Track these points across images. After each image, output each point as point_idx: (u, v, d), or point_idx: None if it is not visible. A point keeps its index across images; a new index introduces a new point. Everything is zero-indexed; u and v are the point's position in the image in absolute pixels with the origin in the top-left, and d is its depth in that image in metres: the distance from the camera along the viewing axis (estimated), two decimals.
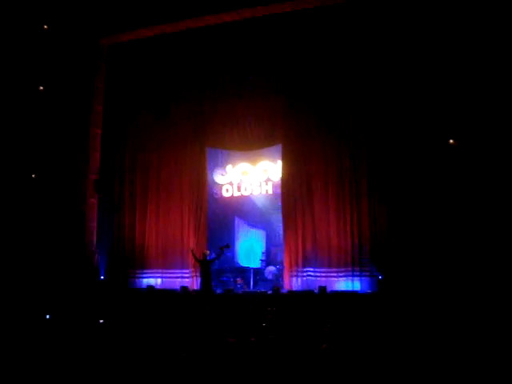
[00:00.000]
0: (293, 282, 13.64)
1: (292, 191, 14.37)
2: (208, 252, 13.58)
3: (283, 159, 14.75)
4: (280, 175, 15.38)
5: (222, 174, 17.01)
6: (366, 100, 13.41)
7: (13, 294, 11.52)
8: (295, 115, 14.36)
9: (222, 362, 3.79)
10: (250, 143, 15.37)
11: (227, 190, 16.91)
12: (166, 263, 15.27)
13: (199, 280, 13.54)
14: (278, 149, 15.63)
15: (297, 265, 13.78)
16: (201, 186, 15.63)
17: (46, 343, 4.77)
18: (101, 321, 6.27)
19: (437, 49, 12.06)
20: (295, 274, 13.73)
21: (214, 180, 17.06)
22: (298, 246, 13.85)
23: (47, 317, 6.32)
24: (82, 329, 5.50)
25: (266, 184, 16.49)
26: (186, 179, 15.65)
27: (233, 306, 10.66)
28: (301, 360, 3.90)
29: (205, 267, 13.00)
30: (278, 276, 15.33)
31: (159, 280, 15.30)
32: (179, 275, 15.03)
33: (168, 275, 15.21)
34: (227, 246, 13.54)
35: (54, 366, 4.10)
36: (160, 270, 15.29)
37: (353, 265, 13.19)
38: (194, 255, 13.38)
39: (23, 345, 4.68)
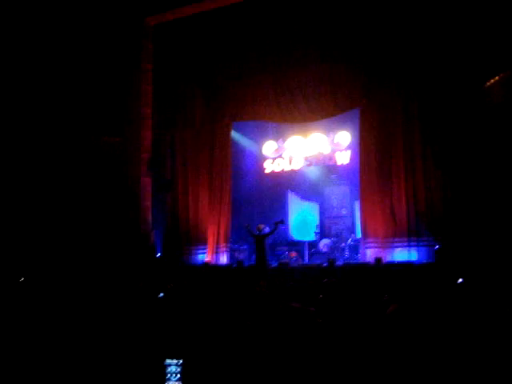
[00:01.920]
0: (366, 255, 13.51)
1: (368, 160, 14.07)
2: (263, 226, 13.58)
3: (362, 126, 14.33)
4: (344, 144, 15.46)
5: (273, 148, 16.98)
6: (422, 63, 13.04)
7: (74, 273, 11.83)
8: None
9: (287, 327, 3.77)
10: (304, 115, 15.09)
11: (279, 164, 16.89)
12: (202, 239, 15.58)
13: (253, 255, 13.69)
14: (329, 120, 15.48)
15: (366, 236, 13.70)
16: (224, 164, 15.85)
17: (109, 318, 4.86)
18: (160, 295, 6.37)
19: None
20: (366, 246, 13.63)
21: (264, 154, 17.07)
22: (374, 216, 13.69)
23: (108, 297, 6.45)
24: (143, 303, 5.60)
25: (318, 156, 16.36)
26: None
27: (289, 279, 10.68)
28: (361, 326, 3.88)
29: (259, 242, 13.05)
30: (333, 248, 15.27)
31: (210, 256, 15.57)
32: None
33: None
34: (281, 222, 13.53)
35: (117, 340, 4.17)
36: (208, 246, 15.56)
37: (409, 235, 12.99)
38: (249, 230, 13.42)
39: (86, 320, 4.78)
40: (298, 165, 16.67)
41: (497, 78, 11.00)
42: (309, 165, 16.61)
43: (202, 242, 15.51)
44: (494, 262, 10.47)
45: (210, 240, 15.49)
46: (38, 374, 3.81)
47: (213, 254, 15.35)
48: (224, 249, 15.48)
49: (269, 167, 17.02)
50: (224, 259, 15.43)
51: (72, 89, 14.33)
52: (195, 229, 15.63)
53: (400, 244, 13.09)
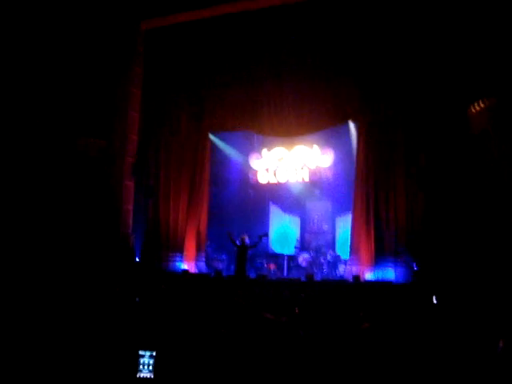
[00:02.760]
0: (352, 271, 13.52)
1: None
2: (246, 236, 13.56)
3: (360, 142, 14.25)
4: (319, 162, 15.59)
5: (258, 158, 17.04)
6: (408, 85, 13.19)
7: (49, 273, 11.72)
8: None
9: (260, 336, 3.81)
10: (289, 129, 15.16)
11: (263, 176, 16.94)
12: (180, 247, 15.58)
13: (233, 265, 13.68)
14: (313, 135, 15.58)
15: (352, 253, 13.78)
16: (202, 173, 16.10)
17: (84, 319, 4.86)
18: (137, 299, 6.36)
19: None
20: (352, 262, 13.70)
21: (249, 165, 17.12)
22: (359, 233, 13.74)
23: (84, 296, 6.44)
24: (120, 306, 5.60)
25: (302, 169, 16.45)
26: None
27: (266, 291, 10.71)
28: (336, 340, 3.92)
29: (241, 253, 13.03)
30: (312, 263, 15.32)
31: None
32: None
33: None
34: (265, 235, 13.56)
35: (91, 342, 4.18)
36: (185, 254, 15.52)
37: (389, 255, 13.08)
38: (231, 239, 13.37)
39: (59, 322, 4.77)
40: (282, 178, 16.73)
41: (481, 104, 11.13)
42: (292, 179, 16.70)
43: (179, 249, 15.44)
44: (471, 284, 10.62)
45: (188, 248, 15.45)
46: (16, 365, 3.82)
47: (190, 262, 15.32)
48: (200, 257, 15.49)
49: (253, 178, 17.05)
50: (200, 268, 15.49)
51: (59, 89, 14.21)
52: (174, 236, 15.57)
53: (380, 263, 13.15)
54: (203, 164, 16.02)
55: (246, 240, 13.49)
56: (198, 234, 15.65)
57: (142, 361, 3.61)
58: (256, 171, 17.02)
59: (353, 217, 13.94)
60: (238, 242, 13.18)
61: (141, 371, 3.60)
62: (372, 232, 13.29)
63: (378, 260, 13.14)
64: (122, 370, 3.63)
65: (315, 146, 16.24)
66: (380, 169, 13.52)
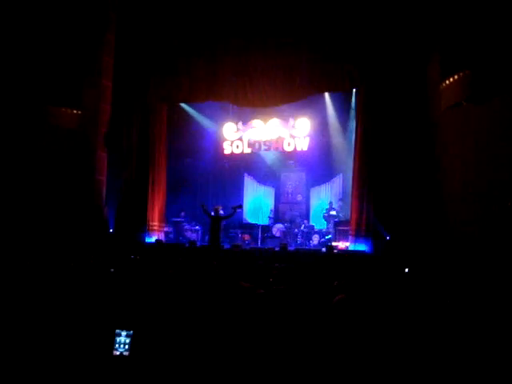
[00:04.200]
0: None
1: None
2: (220, 207, 13.56)
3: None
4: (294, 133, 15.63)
5: (233, 130, 16.99)
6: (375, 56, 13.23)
7: (22, 244, 11.60)
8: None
9: (237, 305, 3.84)
10: (265, 99, 15.00)
11: (237, 147, 16.92)
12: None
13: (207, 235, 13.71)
14: (290, 106, 15.54)
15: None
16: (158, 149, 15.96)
17: (58, 289, 4.83)
18: (111, 270, 6.35)
19: None
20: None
21: (223, 135, 17.06)
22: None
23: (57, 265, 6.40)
24: (95, 276, 5.58)
25: (276, 141, 16.47)
26: None
27: (241, 261, 10.76)
28: (312, 308, 3.97)
29: (215, 223, 13.04)
30: (286, 233, 15.44)
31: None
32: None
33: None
34: (239, 207, 13.55)
35: (64, 310, 4.16)
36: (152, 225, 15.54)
37: (363, 226, 13.19)
38: (205, 210, 13.34)
39: (35, 293, 4.74)
40: (256, 148, 16.74)
41: (455, 77, 11.17)
42: (267, 149, 16.70)
43: (149, 220, 15.35)
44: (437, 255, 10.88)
45: (155, 219, 15.43)
46: None
47: (159, 233, 15.32)
48: (161, 228, 15.55)
49: (227, 149, 17.02)
50: (169, 239, 15.68)
51: (29, 56, 13.82)
52: (145, 207, 15.44)
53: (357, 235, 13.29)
54: (160, 136, 15.84)
55: (220, 211, 13.48)
56: (159, 204, 15.60)
57: (118, 339, 3.58)
58: (231, 142, 16.98)
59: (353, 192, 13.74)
60: (212, 214, 13.17)
61: (117, 350, 3.57)
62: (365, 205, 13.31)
63: (357, 232, 13.24)
64: (97, 347, 3.61)
65: (290, 118, 16.25)
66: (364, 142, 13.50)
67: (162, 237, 15.35)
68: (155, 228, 15.36)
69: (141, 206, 15.23)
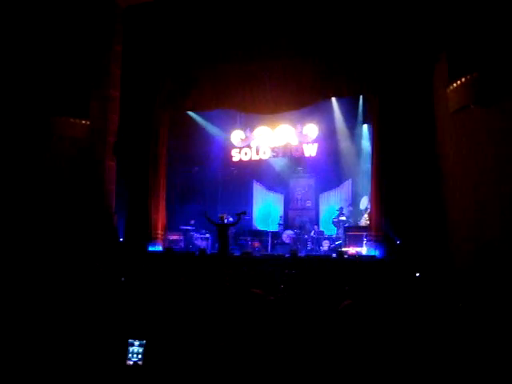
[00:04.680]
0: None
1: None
2: (224, 215, 13.58)
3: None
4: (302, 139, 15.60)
5: (241, 138, 17.03)
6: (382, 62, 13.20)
7: (33, 254, 11.65)
8: None
9: (247, 313, 3.83)
10: (272, 106, 14.96)
11: (246, 154, 16.95)
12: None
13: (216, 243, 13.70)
14: (297, 113, 15.54)
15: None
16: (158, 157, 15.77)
17: (69, 299, 4.84)
18: (122, 279, 6.36)
19: None
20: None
21: (232, 143, 17.10)
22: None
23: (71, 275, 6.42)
24: (105, 285, 5.59)
25: (285, 148, 16.50)
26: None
27: (251, 268, 10.75)
28: (321, 314, 3.96)
29: (222, 231, 13.06)
30: (296, 240, 15.42)
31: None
32: None
33: None
34: (243, 213, 13.55)
35: (77, 319, 4.17)
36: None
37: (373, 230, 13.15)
38: (209, 219, 13.35)
39: (46, 302, 4.75)
40: (264, 155, 16.76)
41: (462, 80, 11.14)
42: (275, 156, 16.71)
43: (152, 228, 15.33)
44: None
45: (160, 228, 15.41)
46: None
47: (161, 241, 15.30)
48: (164, 236, 15.46)
49: (236, 156, 17.06)
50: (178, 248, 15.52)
51: (37, 67, 13.93)
52: (153, 215, 15.43)
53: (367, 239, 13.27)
54: (162, 145, 15.77)
55: (226, 218, 13.50)
56: (163, 214, 15.61)
57: (131, 349, 3.57)
58: (239, 149, 17.01)
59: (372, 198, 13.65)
60: (217, 221, 13.20)
61: (130, 359, 3.56)
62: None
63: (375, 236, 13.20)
64: (111, 357, 3.60)
65: (298, 124, 16.29)
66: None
67: (165, 245, 15.27)
68: (159, 236, 15.32)
69: (144, 215, 15.26)
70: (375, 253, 12.76)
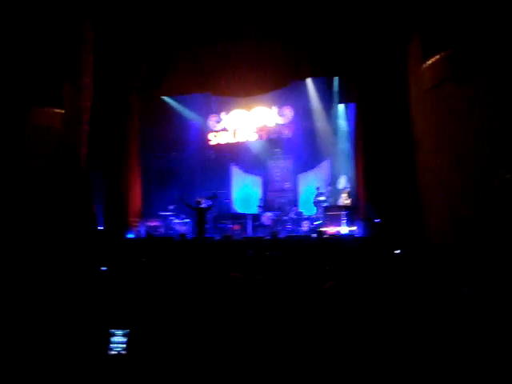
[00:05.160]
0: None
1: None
2: (202, 199, 13.59)
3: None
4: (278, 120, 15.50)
5: (217, 121, 16.98)
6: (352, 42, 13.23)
7: (9, 243, 11.52)
8: None
9: (227, 295, 3.85)
10: (248, 89, 14.93)
11: (222, 137, 16.92)
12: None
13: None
14: (273, 94, 15.54)
15: None
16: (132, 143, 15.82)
17: (48, 288, 4.81)
18: (103, 268, 6.32)
19: None
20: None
21: (208, 127, 17.05)
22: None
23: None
24: (85, 274, 5.56)
25: (262, 130, 16.51)
26: None
27: (232, 251, 10.77)
28: (304, 295, 3.99)
29: (199, 215, 13.08)
30: (276, 221, 15.47)
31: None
32: None
33: None
34: (214, 196, 13.60)
35: (59, 312, 4.14)
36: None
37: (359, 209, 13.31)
38: (186, 203, 13.37)
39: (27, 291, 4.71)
40: (241, 138, 16.75)
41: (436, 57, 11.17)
42: (252, 138, 16.71)
43: (132, 215, 15.33)
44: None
45: (135, 214, 15.41)
46: None
47: (136, 228, 15.31)
48: (138, 223, 15.47)
49: (213, 140, 17.02)
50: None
51: (8, 57, 13.66)
52: (129, 202, 15.40)
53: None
54: (133, 131, 15.75)
55: (204, 202, 13.51)
56: (138, 200, 15.60)
57: (114, 339, 3.55)
58: (216, 132, 16.98)
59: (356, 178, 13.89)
60: (194, 205, 13.23)
61: (113, 349, 3.54)
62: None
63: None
64: (93, 347, 3.58)
65: (274, 106, 16.27)
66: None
67: (141, 232, 15.31)
68: (135, 223, 15.31)
69: (120, 202, 15.20)
70: (357, 232, 12.93)
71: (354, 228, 13.17)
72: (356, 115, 13.47)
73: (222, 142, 16.96)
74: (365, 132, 13.02)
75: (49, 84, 14.04)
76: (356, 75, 13.34)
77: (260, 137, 16.65)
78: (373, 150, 12.81)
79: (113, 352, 3.50)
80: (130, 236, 14.86)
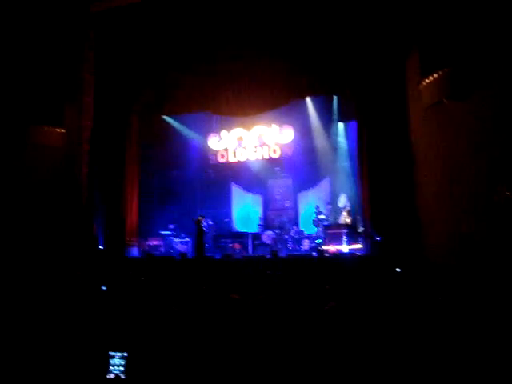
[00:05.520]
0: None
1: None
2: (201, 218, 13.57)
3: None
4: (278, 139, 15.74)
5: (217, 140, 17.03)
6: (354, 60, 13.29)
7: (14, 261, 11.48)
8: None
9: (226, 317, 3.82)
10: (247, 108, 14.99)
11: (222, 156, 16.95)
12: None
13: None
14: (272, 113, 15.60)
15: None
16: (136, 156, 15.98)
17: (47, 308, 4.78)
18: (103, 287, 6.29)
19: None
20: None
21: (208, 146, 17.09)
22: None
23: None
24: (84, 293, 5.53)
25: (262, 148, 16.54)
26: None
27: (233, 271, 10.74)
28: (304, 316, 3.96)
29: (199, 234, 13.06)
30: (277, 240, 15.42)
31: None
32: None
33: None
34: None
35: (55, 330, 4.11)
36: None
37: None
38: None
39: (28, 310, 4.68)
40: (242, 156, 16.78)
41: (434, 75, 11.21)
42: (252, 157, 16.74)
43: (129, 234, 15.33)
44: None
45: (129, 233, 15.40)
46: None
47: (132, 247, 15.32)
48: (135, 242, 15.48)
49: (213, 159, 17.05)
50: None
51: (11, 76, 13.74)
52: (126, 221, 15.41)
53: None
54: (131, 150, 15.80)
55: (204, 221, 13.51)
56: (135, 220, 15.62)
57: (112, 361, 3.51)
58: (216, 151, 17.00)
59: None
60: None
61: (111, 372, 3.49)
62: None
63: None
64: (91, 370, 3.54)
65: (274, 125, 16.32)
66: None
67: (140, 250, 15.38)
68: (132, 242, 15.30)
69: (118, 221, 15.21)
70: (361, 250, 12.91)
71: (356, 246, 13.11)
72: (358, 133, 13.44)
73: (222, 160, 16.96)
74: (368, 150, 12.99)
75: (49, 103, 14.15)
76: (356, 93, 13.35)
77: (260, 156, 16.64)
78: (377, 167, 12.78)
79: (111, 375, 3.46)
80: (130, 255, 14.82)
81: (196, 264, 12.94)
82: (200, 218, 13.53)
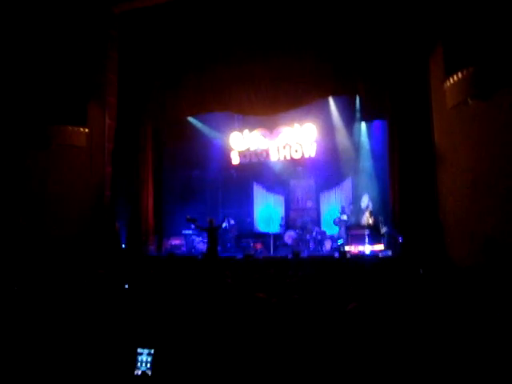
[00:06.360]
0: None
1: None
2: (212, 219, 13.60)
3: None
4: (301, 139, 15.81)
5: (240, 140, 17.03)
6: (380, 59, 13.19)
7: (37, 263, 11.61)
8: None
9: (252, 316, 3.82)
10: (269, 107, 15.00)
11: (245, 156, 16.95)
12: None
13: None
14: (295, 113, 15.56)
15: None
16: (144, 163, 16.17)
17: (72, 307, 4.82)
18: (126, 286, 6.34)
19: None
20: None
21: (230, 145, 17.10)
22: None
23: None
24: (108, 292, 5.57)
25: (284, 148, 16.51)
26: None
27: (254, 271, 10.72)
28: (327, 316, 3.94)
29: (211, 234, 13.07)
30: (298, 240, 15.39)
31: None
32: None
33: None
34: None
35: (82, 328, 4.15)
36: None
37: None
38: (197, 225, 13.47)
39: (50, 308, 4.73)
40: (264, 156, 16.76)
41: (459, 75, 11.09)
42: (274, 157, 16.71)
43: (147, 233, 15.53)
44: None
45: (146, 232, 15.57)
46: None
47: (149, 246, 15.58)
48: (151, 242, 15.70)
49: (235, 158, 17.05)
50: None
51: (36, 77, 13.91)
52: (143, 220, 15.57)
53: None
54: (145, 150, 16.06)
55: (213, 221, 13.54)
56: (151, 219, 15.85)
57: (139, 358, 3.53)
58: (238, 151, 17.01)
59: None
60: (204, 225, 13.23)
61: (138, 368, 3.51)
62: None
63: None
64: (118, 367, 3.56)
65: (296, 125, 16.27)
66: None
67: (160, 250, 15.67)
68: (150, 241, 15.52)
69: (137, 220, 15.37)
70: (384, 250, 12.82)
71: (378, 247, 13.02)
72: (388, 133, 13.29)
73: (245, 160, 16.96)
74: (400, 150, 12.88)
75: (73, 103, 14.30)
76: (386, 91, 13.23)
77: (282, 156, 16.61)
78: (407, 168, 12.69)
79: (138, 372, 3.48)
80: (150, 254, 14.97)
81: (208, 263, 12.94)
82: (211, 219, 13.50)
